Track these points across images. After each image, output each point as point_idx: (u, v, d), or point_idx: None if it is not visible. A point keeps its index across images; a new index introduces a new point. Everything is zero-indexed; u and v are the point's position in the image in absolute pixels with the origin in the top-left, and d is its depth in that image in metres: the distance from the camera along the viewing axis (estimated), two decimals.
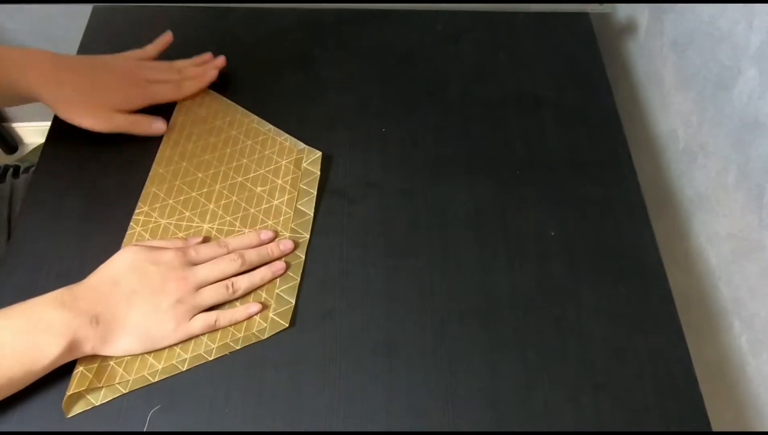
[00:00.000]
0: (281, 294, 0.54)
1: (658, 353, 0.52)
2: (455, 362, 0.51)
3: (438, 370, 0.51)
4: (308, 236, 0.57)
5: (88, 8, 0.76)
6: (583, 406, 0.49)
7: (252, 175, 0.61)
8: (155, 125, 0.63)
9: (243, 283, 0.53)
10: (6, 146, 1.42)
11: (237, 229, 0.58)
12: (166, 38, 0.68)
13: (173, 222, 0.58)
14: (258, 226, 0.58)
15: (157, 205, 0.59)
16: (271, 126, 0.64)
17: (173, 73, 0.67)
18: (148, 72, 0.65)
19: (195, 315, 0.51)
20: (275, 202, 0.59)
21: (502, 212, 0.60)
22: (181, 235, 0.57)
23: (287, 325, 0.52)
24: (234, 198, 0.59)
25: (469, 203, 0.60)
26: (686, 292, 0.65)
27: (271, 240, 0.57)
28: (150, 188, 0.60)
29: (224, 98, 0.67)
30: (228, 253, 0.54)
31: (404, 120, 0.67)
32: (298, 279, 0.55)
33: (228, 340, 0.51)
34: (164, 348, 0.50)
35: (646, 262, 0.57)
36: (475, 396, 0.49)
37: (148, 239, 0.57)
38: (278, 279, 0.55)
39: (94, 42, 0.73)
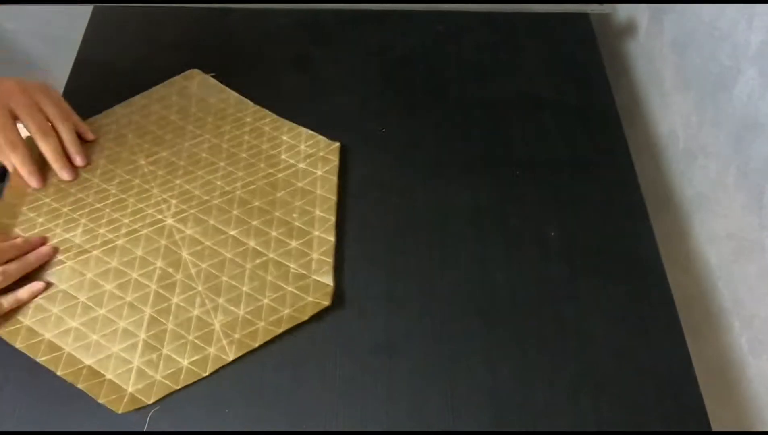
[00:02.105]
0: (318, 279, 0.54)
1: (658, 353, 0.52)
2: (455, 362, 0.51)
3: (438, 370, 0.51)
4: (333, 219, 0.57)
5: (88, 8, 0.76)
6: (583, 406, 0.49)
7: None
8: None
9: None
10: None
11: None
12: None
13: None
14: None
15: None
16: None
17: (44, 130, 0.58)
18: (18, 108, 0.56)
19: None
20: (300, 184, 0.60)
21: (502, 212, 0.60)
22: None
23: (328, 304, 0.52)
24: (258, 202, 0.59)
25: (469, 203, 0.60)
26: (686, 292, 0.65)
27: (37, 246, 0.54)
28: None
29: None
30: None
31: (404, 120, 0.67)
32: (332, 261, 0.55)
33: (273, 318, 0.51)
34: None
35: (646, 262, 0.57)
36: (475, 396, 0.49)
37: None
38: (314, 264, 0.55)
39: (95, 42, 0.73)
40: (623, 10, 0.81)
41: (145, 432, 0.47)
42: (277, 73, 0.70)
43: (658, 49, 0.73)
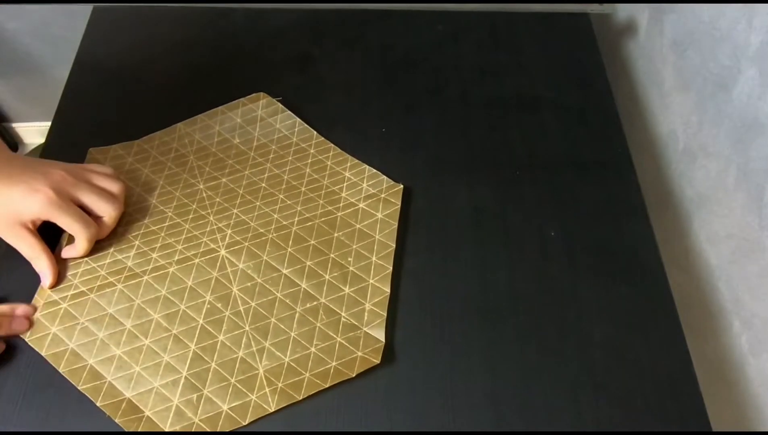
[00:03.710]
0: (369, 332, 0.52)
1: (658, 353, 0.52)
2: (455, 362, 0.51)
3: (438, 370, 0.51)
4: (390, 269, 0.55)
5: (88, 8, 0.76)
6: (583, 406, 0.49)
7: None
8: (48, 273, 0.52)
9: None
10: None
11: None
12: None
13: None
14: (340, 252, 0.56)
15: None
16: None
17: (109, 202, 0.54)
18: (79, 191, 0.53)
19: None
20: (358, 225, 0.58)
21: (502, 212, 0.60)
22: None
23: (378, 362, 0.50)
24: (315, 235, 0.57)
25: (469, 203, 0.60)
26: (686, 292, 0.65)
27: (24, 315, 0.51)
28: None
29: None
30: None
31: (404, 120, 0.67)
32: (385, 314, 0.52)
33: (316, 372, 0.49)
34: None
35: (646, 262, 0.57)
36: (475, 396, 0.49)
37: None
38: (366, 315, 0.52)
39: (95, 42, 0.73)
40: (623, 10, 0.81)
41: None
42: (277, 73, 0.70)
43: (658, 49, 0.73)
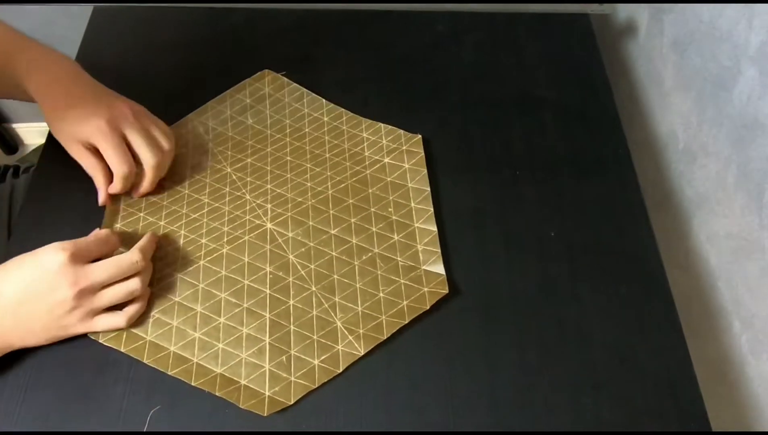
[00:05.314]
0: (429, 269, 0.54)
1: (658, 353, 0.52)
2: (455, 362, 0.51)
3: (438, 369, 0.51)
4: (431, 210, 0.58)
5: (88, 8, 0.76)
6: (583, 406, 0.49)
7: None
8: (101, 190, 0.57)
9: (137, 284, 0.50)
10: (6, 147, 1.42)
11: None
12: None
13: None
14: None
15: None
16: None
17: (153, 150, 0.56)
18: (128, 129, 0.56)
19: (98, 314, 0.49)
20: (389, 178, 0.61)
21: (502, 212, 0.60)
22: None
23: (446, 292, 0.53)
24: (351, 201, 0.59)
25: (469, 203, 0.60)
26: (686, 292, 0.65)
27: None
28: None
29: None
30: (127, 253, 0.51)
31: (404, 120, 0.67)
32: (439, 250, 0.55)
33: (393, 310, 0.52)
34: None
35: (646, 262, 0.57)
36: (475, 396, 0.49)
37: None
38: (421, 255, 0.55)
39: (95, 42, 0.73)
40: (623, 10, 0.81)
41: (145, 432, 0.47)
42: (277, 73, 0.70)
43: (658, 49, 0.73)
